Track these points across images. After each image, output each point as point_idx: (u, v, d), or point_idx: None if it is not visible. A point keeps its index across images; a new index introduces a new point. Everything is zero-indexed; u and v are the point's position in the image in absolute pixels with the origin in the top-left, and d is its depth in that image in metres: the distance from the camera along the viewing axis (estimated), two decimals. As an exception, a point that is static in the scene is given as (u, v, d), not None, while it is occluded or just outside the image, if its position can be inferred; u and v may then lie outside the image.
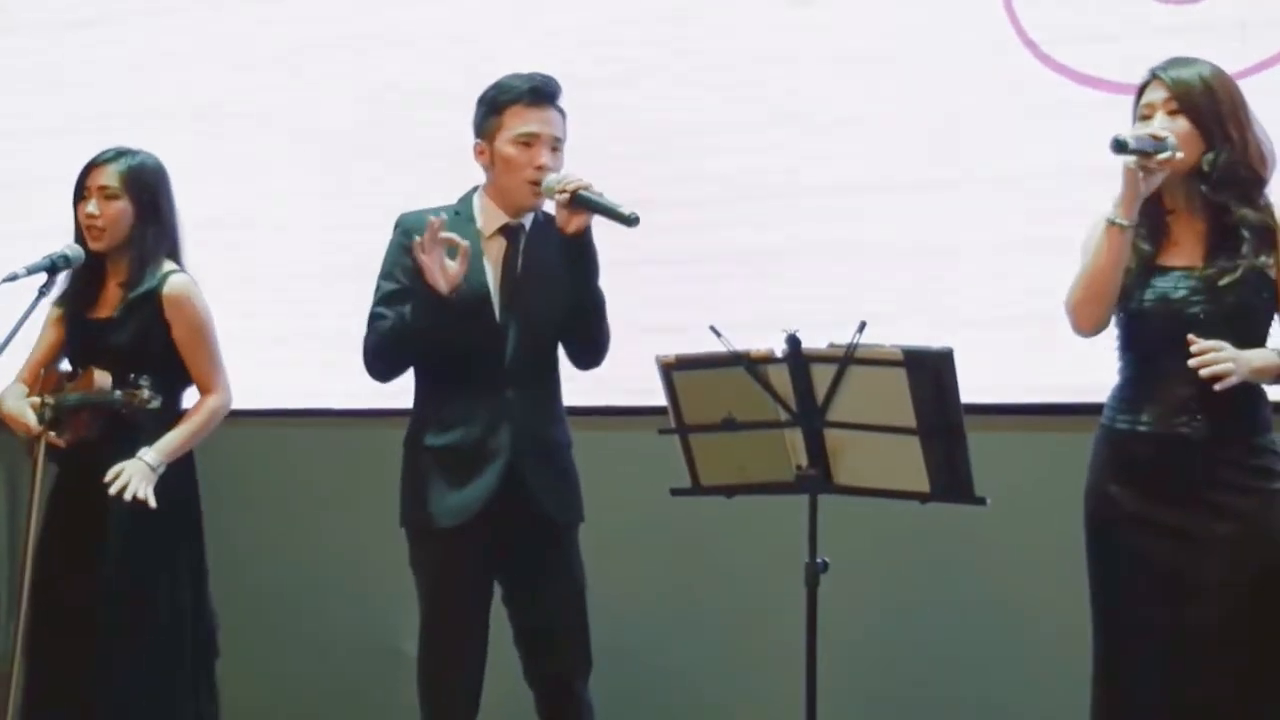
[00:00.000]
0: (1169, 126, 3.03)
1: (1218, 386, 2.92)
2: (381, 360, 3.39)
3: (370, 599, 4.50)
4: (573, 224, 3.26)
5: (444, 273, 3.22)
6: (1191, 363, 2.93)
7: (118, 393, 3.58)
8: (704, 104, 4.25)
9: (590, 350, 3.44)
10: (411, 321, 3.30)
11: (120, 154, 3.77)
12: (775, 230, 4.15)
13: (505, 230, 3.41)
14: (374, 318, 3.39)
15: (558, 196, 3.26)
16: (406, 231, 3.38)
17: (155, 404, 3.59)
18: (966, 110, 3.96)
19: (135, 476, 3.56)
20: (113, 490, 3.53)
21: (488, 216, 3.42)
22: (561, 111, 3.41)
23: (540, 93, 3.38)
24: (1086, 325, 3.11)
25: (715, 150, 4.23)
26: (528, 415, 3.35)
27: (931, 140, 3.99)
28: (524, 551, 3.36)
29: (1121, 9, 3.84)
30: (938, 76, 3.99)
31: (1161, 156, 2.97)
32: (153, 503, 3.54)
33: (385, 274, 3.41)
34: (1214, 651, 2.98)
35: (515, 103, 3.37)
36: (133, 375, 3.58)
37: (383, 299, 3.39)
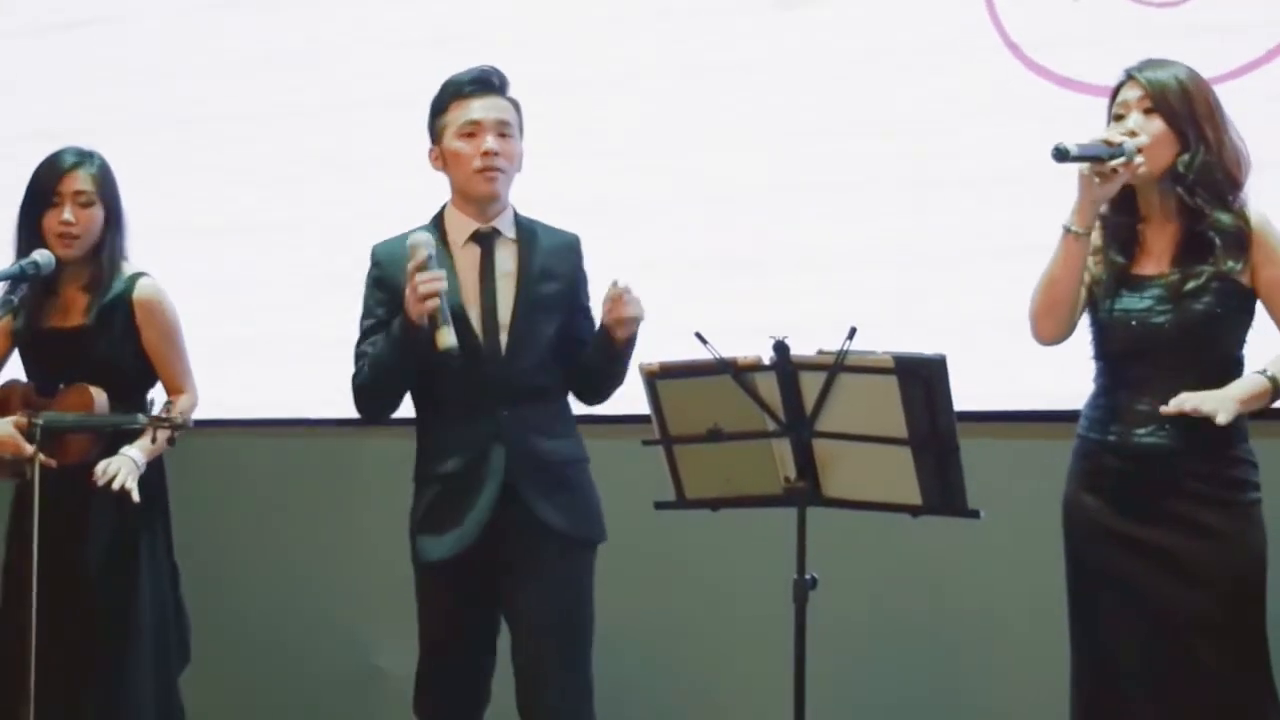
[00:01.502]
0: (1144, 126, 2.98)
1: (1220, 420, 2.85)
2: (367, 400, 3.29)
3: (347, 615, 4.44)
4: (620, 331, 3.19)
5: (416, 300, 3.09)
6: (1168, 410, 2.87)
7: (141, 415, 3.50)
8: (688, 106, 4.21)
9: (595, 399, 3.39)
10: (384, 355, 3.20)
11: (84, 156, 3.68)
12: (759, 233, 4.11)
13: (477, 237, 3.29)
14: (358, 357, 3.29)
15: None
16: (378, 264, 3.30)
17: (191, 425, 3.54)
18: (950, 113, 3.93)
19: (124, 470, 3.50)
20: (100, 481, 3.47)
21: (456, 226, 3.30)
22: (512, 101, 3.29)
23: (481, 81, 3.27)
24: (1045, 335, 3.08)
25: (699, 153, 4.19)
26: (525, 433, 3.21)
27: (914, 143, 3.96)
28: (529, 571, 3.22)
29: (1105, 12, 3.83)
30: (921, 80, 3.97)
31: (1115, 162, 2.93)
32: (136, 496, 3.49)
33: (364, 312, 3.32)
34: (1185, 665, 2.93)
35: (456, 95, 3.27)
36: (151, 398, 3.55)
37: (363, 335, 3.30)
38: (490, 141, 3.23)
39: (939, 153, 3.94)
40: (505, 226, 3.31)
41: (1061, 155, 2.90)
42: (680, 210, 4.19)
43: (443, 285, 3.08)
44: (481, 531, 3.19)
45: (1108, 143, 2.95)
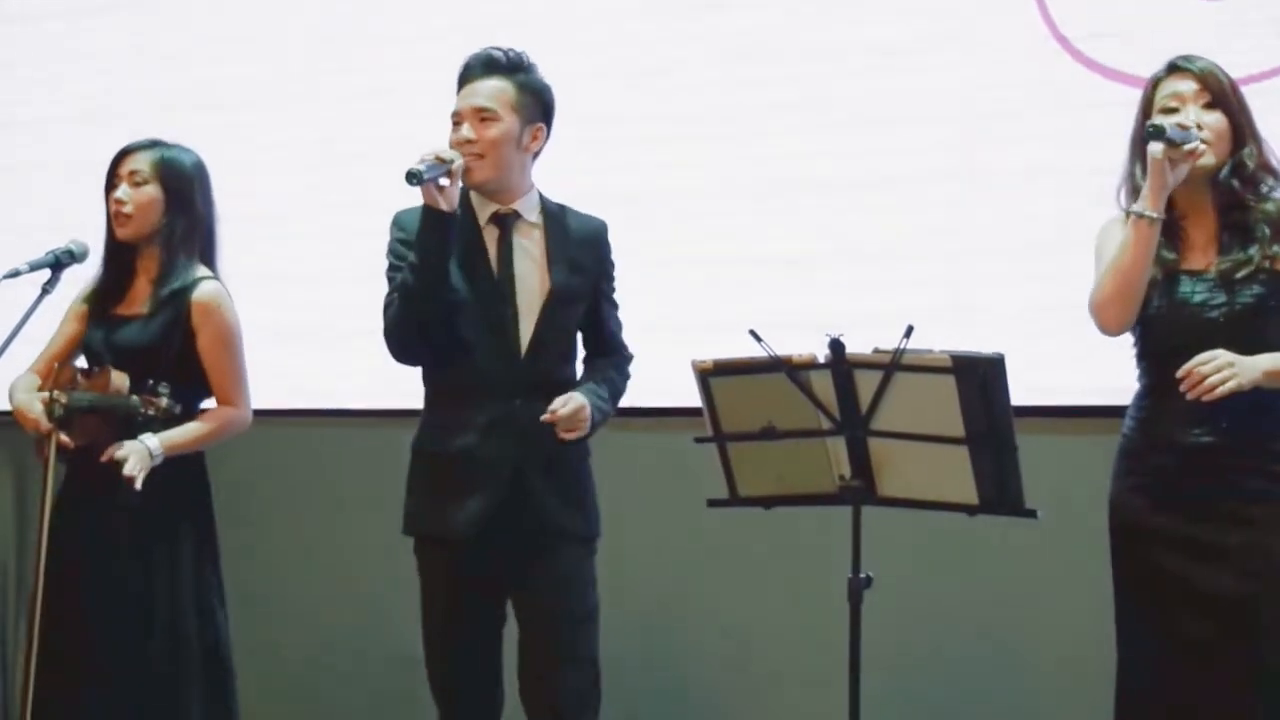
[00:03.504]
0: (1205, 120, 2.95)
1: (1218, 393, 2.84)
2: (401, 327, 3.17)
3: (384, 604, 4.42)
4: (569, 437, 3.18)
5: (442, 192, 3.08)
6: (1184, 389, 2.86)
7: (134, 398, 3.44)
8: (735, 100, 4.18)
9: None
10: (409, 276, 3.13)
11: (155, 143, 3.65)
12: (809, 227, 4.08)
13: (496, 218, 3.26)
14: (387, 305, 3.23)
15: None
16: (402, 226, 3.25)
17: (176, 410, 3.47)
18: (998, 107, 3.91)
19: (133, 457, 3.43)
20: (104, 457, 3.41)
21: (478, 205, 3.26)
22: (507, 79, 3.21)
23: (470, 68, 3.24)
24: (1114, 324, 3.03)
25: (747, 147, 4.16)
26: (537, 425, 3.16)
27: (962, 137, 3.94)
28: (532, 568, 3.21)
29: (1155, 4, 3.79)
30: (969, 73, 3.94)
31: (1188, 147, 2.90)
32: (138, 485, 3.42)
33: (390, 266, 3.26)
34: (1238, 662, 2.91)
35: (458, 86, 3.25)
36: (151, 381, 3.45)
37: (394, 287, 3.23)
38: (464, 130, 3.19)
39: (989, 146, 3.91)
40: (527, 210, 3.28)
41: (1158, 133, 2.88)
42: (730, 203, 4.16)
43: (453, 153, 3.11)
44: (489, 519, 3.16)
45: (1182, 126, 2.92)
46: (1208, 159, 2.95)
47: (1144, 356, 3.06)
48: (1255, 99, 3.10)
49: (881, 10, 4.05)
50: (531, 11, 4.41)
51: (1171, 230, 3.02)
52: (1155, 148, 2.90)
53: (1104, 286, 3.01)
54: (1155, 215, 2.93)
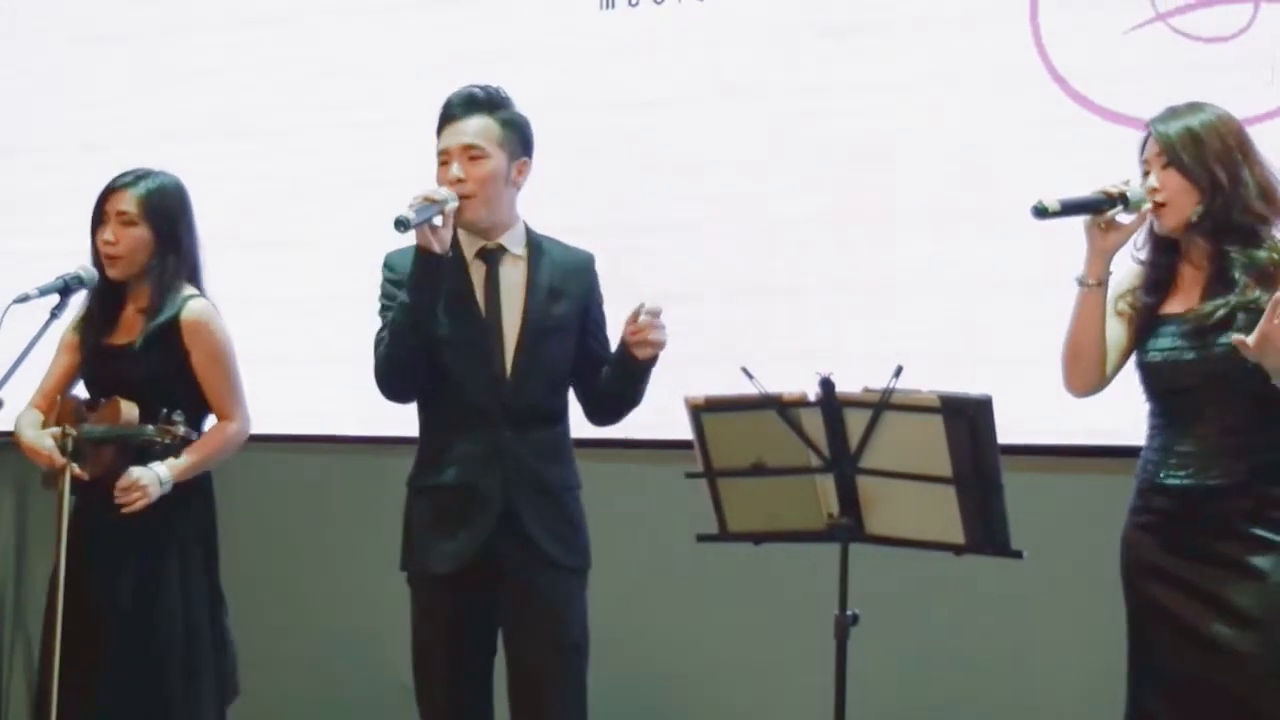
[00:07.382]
0: (1164, 181, 2.99)
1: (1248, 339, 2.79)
2: (391, 366, 3.21)
3: (380, 632, 4.42)
4: (640, 353, 3.18)
5: (435, 233, 3.11)
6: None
7: (150, 427, 3.50)
8: (733, 135, 4.20)
9: (609, 421, 3.38)
10: (399, 315, 3.17)
11: (139, 178, 3.66)
12: (803, 265, 4.11)
13: (483, 254, 3.29)
14: (378, 342, 3.27)
15: None
16: (392, 268, 3.29)
17: (193, 437, 3.53)
18: (996, 146, 3.92)
19: (143, 481, 3.48)
20: (119, 486, 3.46)
21: (465, 241, 3.29)
22: (493, 118, 3.25)
23: (451, 106, 3.27)
24: (1074, 386, 3.10)
25: (744, 182, 4.18)
26: (525, 457, 3.21)
27: (961, 176, 3.95)
28: (523, 599, 3.23)
29: (1152, 46, 3.81)
30: (967, 112, 3.96)
31: (1113, 212, 2.96)
32: (137, 507, 3.46)
33: (382, 308, 3.30)
34: (1233, 707, 2.90)
35: (440, 126, 3.28)
36: (165, 410, 3.49)
37: (382, 328, 3.27)
38: (454, 170, 3.21)
39: (983, 185, 3.91)
40: (513, 243, 3.31)
41: (1040, 213, 2.93)
42: (725, 239, 4.18)
43: (445, 192, 3.14)
44: (478, 552, 3.19)
45: (1106, 194, 2.96)
46: (1171, 220, 2.98)
47: (1148, 399, 3.08)
48: (1255, 141, 3.08)
49: (878, 47, 4.06)
50: (524, 45, 4.44)
51: (1165, 276, 3.05)
52: (1086, 219, 2.96)
53: (1062, 351, 3.07)
54: (1091, 281, 2.99)
